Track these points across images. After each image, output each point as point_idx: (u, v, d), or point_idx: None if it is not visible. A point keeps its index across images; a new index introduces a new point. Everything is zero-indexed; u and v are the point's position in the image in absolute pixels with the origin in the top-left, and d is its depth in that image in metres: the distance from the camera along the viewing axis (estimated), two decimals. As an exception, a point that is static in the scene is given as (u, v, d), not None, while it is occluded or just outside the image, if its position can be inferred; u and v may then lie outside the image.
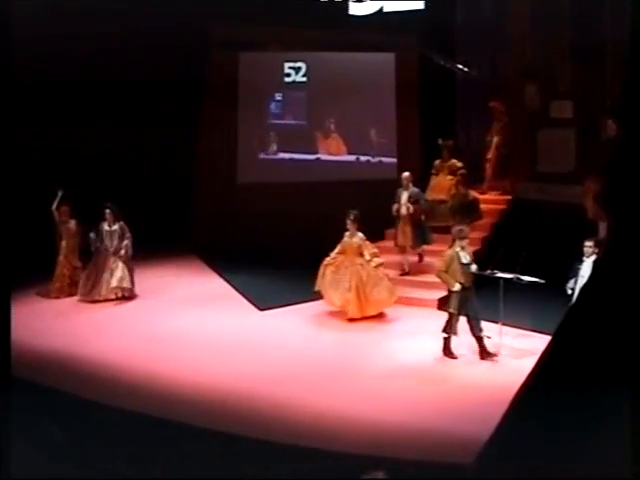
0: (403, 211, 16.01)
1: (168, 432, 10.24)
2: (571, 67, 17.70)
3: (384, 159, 19.78)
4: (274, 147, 19.94)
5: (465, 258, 12.92)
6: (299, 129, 19.97)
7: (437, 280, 15.71)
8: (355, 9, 18.89)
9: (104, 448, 9.32)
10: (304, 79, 19.79)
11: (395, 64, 19.56)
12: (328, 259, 14.85)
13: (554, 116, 17.97)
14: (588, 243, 12.41)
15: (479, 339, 12.72)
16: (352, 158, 19.84)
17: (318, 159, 19.90)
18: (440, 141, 17.26)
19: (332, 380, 12.11)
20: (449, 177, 17.16)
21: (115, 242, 16.03)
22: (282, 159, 19.96)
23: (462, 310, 12.81)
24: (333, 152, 19.92)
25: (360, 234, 14.81)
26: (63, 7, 16.07)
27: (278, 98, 19.96)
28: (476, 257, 15.91)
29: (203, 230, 19.06)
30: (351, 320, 14.47)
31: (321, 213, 16.50)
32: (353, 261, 14.70)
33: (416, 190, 16.15)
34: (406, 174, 16.16)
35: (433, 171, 17.39)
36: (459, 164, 17.19)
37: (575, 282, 12.25)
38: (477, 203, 17.22)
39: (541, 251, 12.54)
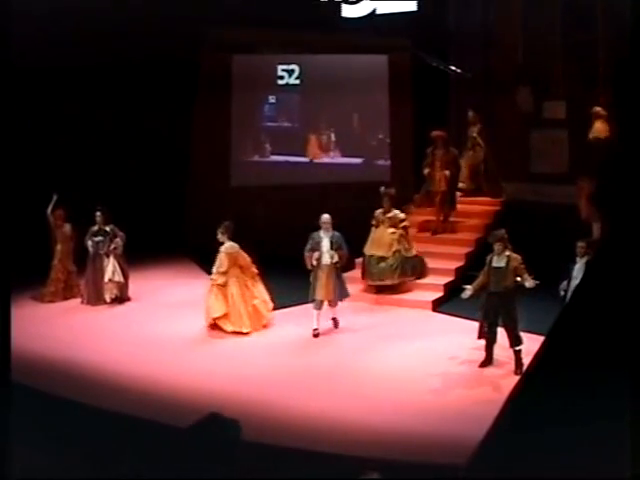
0: (325, 260, 14.09)
1: (163, 435, 10.23)
2: (564, 68, 17.72)
3: (377, 161, 19.83)
4: (267, 150, 19.99)
5: (499, 262, 12.25)
6: (292, 131, 20.01)
7: (432, 282, 15.82)
8: (348, 11, 18.88)
9: (100, 451, 9.33)
10: (297, 81, 19.81)
11: (388, 66, 19.55)
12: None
13: (547, 117, 18.00)
14: (580, 244, 12.42)
15: (515, 353, 12.24)
16: (345, 160, 19.86)
17: (311, 162, 19.92)
18: (382, 189, 15.74)
19: (326, 382, 12.15)
20: (390, 230, 15.58)
21: (107, 245, 16.04)
22: (275, 162, 20.00)
23: (493, 317, 12.32)
24: (326, 155, 19.93)
25: (228, 244, 14.31)
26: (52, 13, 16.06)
27: (271, 100, 20.01)
28: (470, 258, 16.11)
29: (198, 233, 18.87)
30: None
31: (314, 216, 16.36)
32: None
33: (337, 234, 14.15)
34: (326, 216, 14.25)
35: (373, 222, 15.83)
36: (401, 215, 15.68)
37: (568, 283, 12.27)
38: (422, 260, 15.99)
39: (534, 252, 12.53)
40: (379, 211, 15.77)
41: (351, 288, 14.92)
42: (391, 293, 15.69)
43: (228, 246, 14.29)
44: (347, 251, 14.33)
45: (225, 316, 14.25)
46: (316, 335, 14.05)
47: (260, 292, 14.66)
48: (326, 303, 14.34)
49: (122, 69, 17.53)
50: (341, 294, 14.35)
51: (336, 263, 14.13)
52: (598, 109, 16.44)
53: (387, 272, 15.57)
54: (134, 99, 17.90)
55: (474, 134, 18.04)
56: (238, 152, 19.94)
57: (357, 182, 18.91)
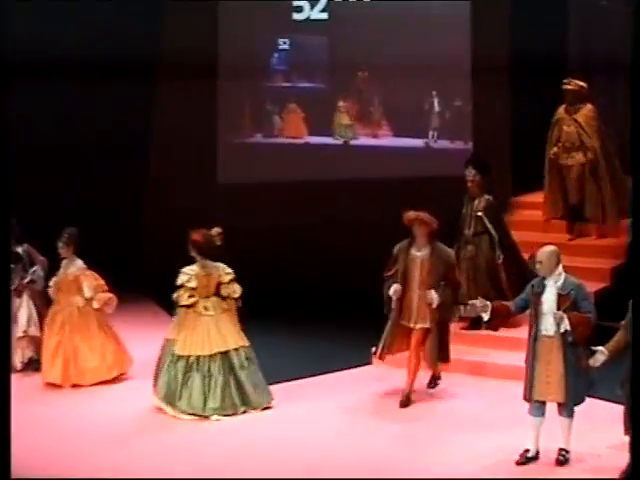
0: (546, 327, 12.35)
1: None
2: None
3: (452, 144, 19.93)
4: (276, 125, 20.20)
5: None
6: (316, 96, 20.11)
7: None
8: None
9: None
10: (324, 15, 19.91)
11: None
12: None
13: None
14: None
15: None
16: (400, 142, 19.94)
17: (346, 144, 20.06)
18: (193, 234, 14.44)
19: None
20: (210, 313, 14.49)
21: (19, 275, 16.02)
22: (289, 145, 20.27)
23: None
24: (371, 133, 20.08)
25: (80, 262, 15.53)
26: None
27: (283, 46, 20.15)
28: (603, 300, 15.80)
29: (161, 262, 18.67)
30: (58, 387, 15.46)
31: (347, 231, 15.75)
32: (68, 301, 15.54)
33: (572, 281, 12.33)
34: (547, 250, 12.37)
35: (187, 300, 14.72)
36: (236, 288, 14.48)
37: None
38: None
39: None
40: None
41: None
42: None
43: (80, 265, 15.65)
44: (593, 313, 12.50)
45: None
46: (524, 461, 12.54)
47: None
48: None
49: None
50: (577, 393, 12.55)
51: (564, 333, 12.40)
52: None
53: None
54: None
55: (479, 212, 16.10)
56: (229, 130, 20.20)
57: (418, 176, 18.86)
